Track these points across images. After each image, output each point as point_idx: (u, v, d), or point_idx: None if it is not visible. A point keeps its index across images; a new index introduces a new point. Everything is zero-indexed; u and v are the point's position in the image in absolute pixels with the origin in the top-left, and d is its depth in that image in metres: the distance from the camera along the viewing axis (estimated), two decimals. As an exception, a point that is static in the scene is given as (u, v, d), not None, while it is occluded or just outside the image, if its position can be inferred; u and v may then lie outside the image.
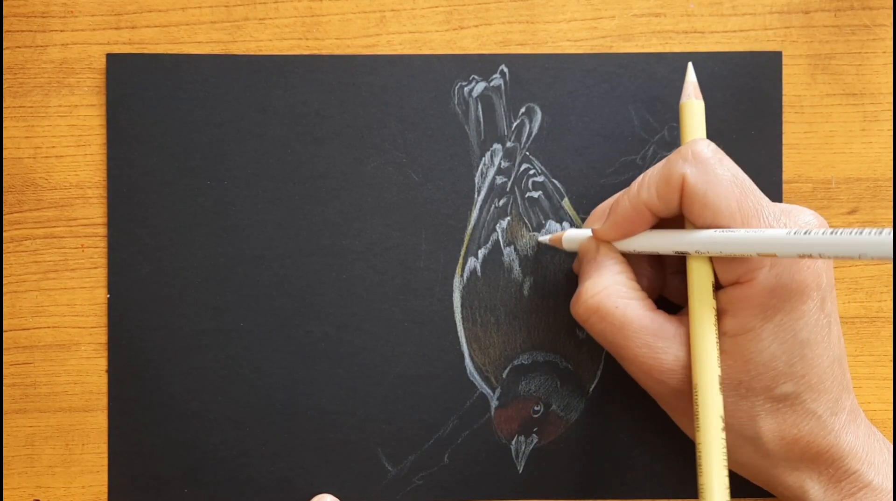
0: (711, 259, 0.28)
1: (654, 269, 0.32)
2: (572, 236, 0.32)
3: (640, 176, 0.29)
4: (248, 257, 0.34)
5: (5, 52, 0.34)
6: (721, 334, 0.28)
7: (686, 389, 0.29)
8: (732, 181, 0.27)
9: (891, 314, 0.35)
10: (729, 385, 0.28)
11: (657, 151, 0.34)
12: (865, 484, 0.28)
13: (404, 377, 0.34)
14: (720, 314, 0.28)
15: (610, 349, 0.30)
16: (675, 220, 0.29)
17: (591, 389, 0.34)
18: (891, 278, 0.35)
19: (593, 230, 0.30)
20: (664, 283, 0.32)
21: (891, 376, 0.35)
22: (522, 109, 0.34)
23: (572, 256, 0.34)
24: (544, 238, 0.34)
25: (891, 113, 0.35)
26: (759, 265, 0.27)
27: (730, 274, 0.28)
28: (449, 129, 0.34)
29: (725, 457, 0.27)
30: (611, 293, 0.29)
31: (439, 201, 0.34)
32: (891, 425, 0.35)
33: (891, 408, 0.35)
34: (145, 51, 0.34)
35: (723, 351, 0.28)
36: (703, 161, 0.27)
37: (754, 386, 0.28)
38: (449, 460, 0.34)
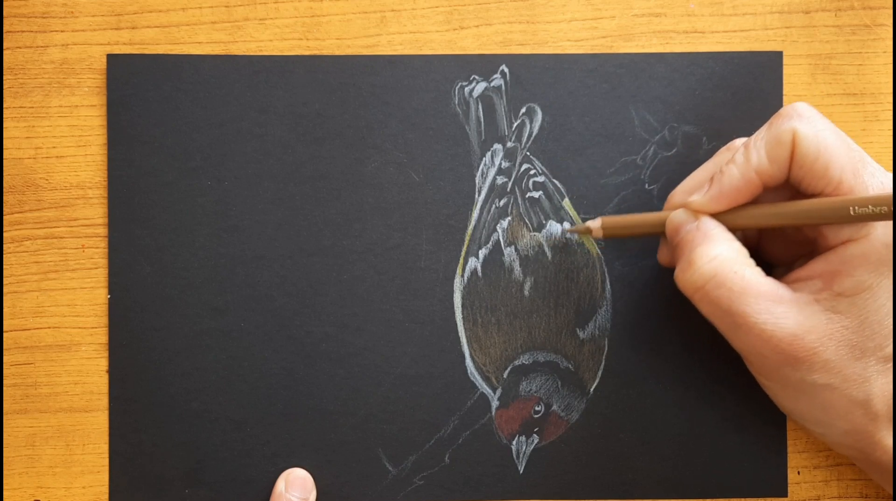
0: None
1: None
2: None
3: (741, 146, 0.30)
4: (249, 257, 0.34)
5: (6, 52, 0.34)
6: (837, 295, 0.28)
7: (802, 355, 0.28)
8: (836, 132, 0.29)
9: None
10: (844, 348, 0.28)
11: (657, 151, 0.34)
12: None
13: (405, 378, 0.34)
14: (833, 276, 0.28)
15: (722, 318, 0.29)
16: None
17: (591, 389, 0.34)
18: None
19: (691, 202, 0.30)
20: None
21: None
22: (523, 110, 0.34)
23: (574, 257, 0.34)
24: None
25: (891, 113, 0.35)
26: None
27: (841, 234, 0.28)
28: (449, 129, 0.34)
29: None
30: (727, 258, 0.29)
31: (440, 201, 0.34)
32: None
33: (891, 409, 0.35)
34: (145, 51, 0.34)
35: (839, 312, 0.28)
36: (808, 116, 0.29)
37: (868, 347, 0.28)
38: (450, 460, 0.34)
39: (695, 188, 0.31)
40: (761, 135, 0.29)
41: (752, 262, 0.29)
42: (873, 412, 0.29)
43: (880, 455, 0.29)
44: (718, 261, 0.29)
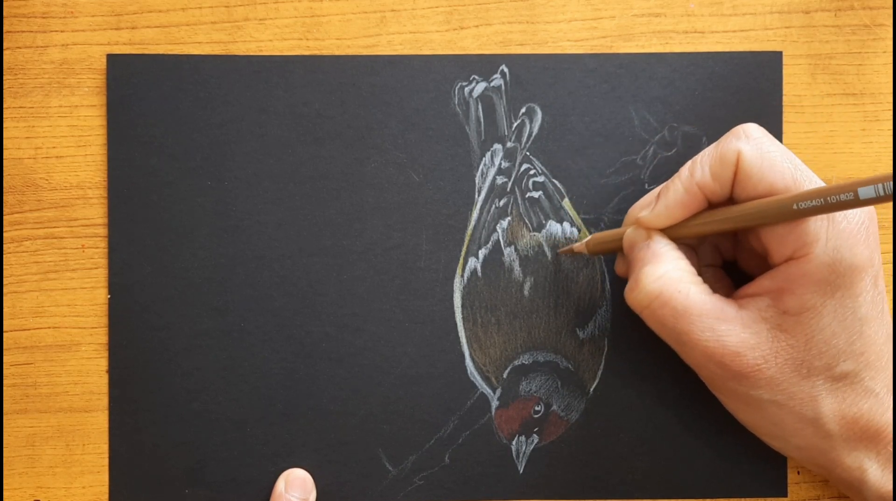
0: (763, 236, 0.29)
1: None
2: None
3: (689, 162, 0.30)
4: (249, 257, 0.34)
5: (6, 52, 0.34)
6: (782, 313, 0.28)
7: (746, 371, 0.28)
8: (785, 156, 0.29)
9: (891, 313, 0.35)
10: (789, 366, 0.28)
11: (657, 151, 0.34)
12: None
13: (405, 378, 0.34)
14: (779, 293, 0.28)
15: (668, 335, 0.30)
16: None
17: (591, 389, 0.34)
18: (891, 278, 0.35)
19: (641, 218, 0.30)
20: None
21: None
22: (523, 110, 0.34)
23: (574, 257, 0.34)
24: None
25: (891, 113, 0.35)
26: (814, 239, 0.28)
27: (784, 249, 0.28)
28: (449, 129, 0.34)
29: None
30: (672, 278, 0.29)
31: (440, 201, 0.34)
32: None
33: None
34: (145, 51, 0.34)
35: (784, 331, 0.28)
36: (756, 138, 0.29)
37: (815, 365, 0.28)
38: (450, 460, 0.34)
39: (650, 204, 0.31)
40: (708, 152, 0.29)
41: (698, 280, 0.29)
42: (825, 431, 0.29)
43: (840, 473, 0.30)
44: (663, 281, 0.29)
